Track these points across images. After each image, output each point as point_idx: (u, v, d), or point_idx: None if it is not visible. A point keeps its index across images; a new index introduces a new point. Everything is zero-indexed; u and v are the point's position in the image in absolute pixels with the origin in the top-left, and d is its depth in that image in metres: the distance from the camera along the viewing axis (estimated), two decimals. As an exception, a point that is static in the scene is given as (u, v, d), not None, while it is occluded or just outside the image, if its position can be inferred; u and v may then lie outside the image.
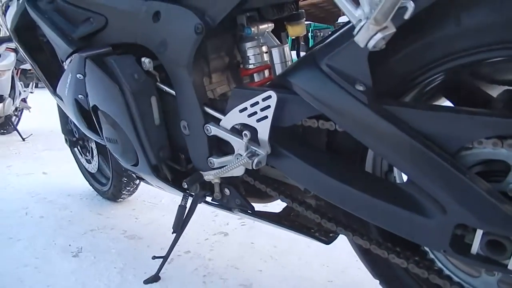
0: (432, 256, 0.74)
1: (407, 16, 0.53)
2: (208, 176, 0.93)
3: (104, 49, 1.09)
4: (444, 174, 0.61)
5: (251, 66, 1.03)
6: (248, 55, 1.03)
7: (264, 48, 1.03)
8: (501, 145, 0.58)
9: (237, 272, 1.21)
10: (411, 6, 0.52)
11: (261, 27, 0.99)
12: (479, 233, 0.61)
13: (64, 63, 1.22)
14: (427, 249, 0.75)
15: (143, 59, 1.05)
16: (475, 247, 0.62)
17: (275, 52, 0.99)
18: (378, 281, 0.91)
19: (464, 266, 0.72)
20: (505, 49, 0.59)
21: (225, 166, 0.92)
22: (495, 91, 0.83)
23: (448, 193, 0.61)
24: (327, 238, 0.97)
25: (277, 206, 1.06)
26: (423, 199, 0.66)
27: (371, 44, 0.54)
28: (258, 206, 1.07)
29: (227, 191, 1.06)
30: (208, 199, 1.15)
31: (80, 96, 1.19)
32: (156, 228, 1.56)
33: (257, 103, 0.83)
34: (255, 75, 1.05)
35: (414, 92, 0.74)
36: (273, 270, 1.22)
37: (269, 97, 0.81)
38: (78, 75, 1.13)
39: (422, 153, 0.62)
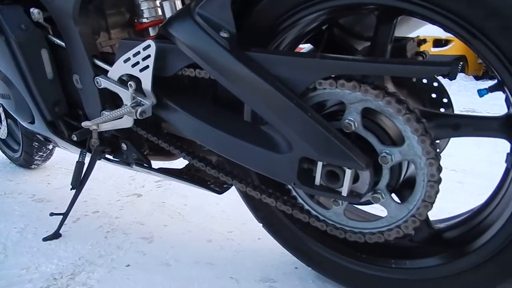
0: (294, 193, 0.82)
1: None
2: (86, 123, 0.93)
3: (-13, -2, 1.03)
4: (290, 113, 0.67)
5: (145, 20, 1.03)
6: (142, 8, 1.03)
7: (158, 2, 1.03)
8: (336, 85, 0.65)
9: (141, 227, 1.24)
10: None
11: (152, -20, 0.99)
12: (319, 165, 0.69)
13: None
14: (290, 187, 0.82)
15: (31, 9, 1.01)
16: (317, 179, 0.70)
17: (166, 5, 0.99)
18: (261, 225, 0.98)
19: (319, 200, 0.80)
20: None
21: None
22: (360, 45, 0.90)
23: (293, 130, 0.68)
24: (220, 189, 1.02)
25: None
26: (277, 138, 0.72)
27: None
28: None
29: (124, 146, 1.07)
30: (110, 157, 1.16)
31: (-33, 49, 1.13)
32: (68, 192, 1.52)
33: (138, 52, 0.84)
34: (150, 29, 1.05)
35: (283, 40, 0.79)
36: (178, 224, 1.26)
37: (149, 46, 0.82)
38: (-40, 25, 1.06)
39: (273, 94, 0.68)
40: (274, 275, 0.98)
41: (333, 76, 0.65)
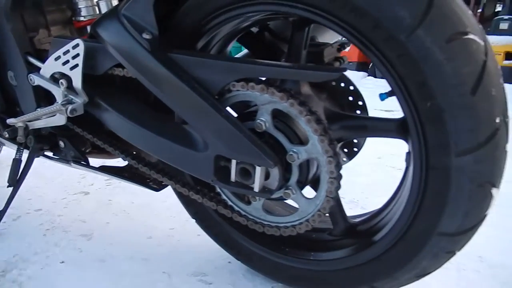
0: (218, 190, 0.85)
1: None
2: (11, 120, 0.94)
3: None
4: (205, 113, 0.71)
5: (82, 18, 1.04)
6: (79, 7, 1.03)
7: (95, 1, 1.04)
8: (247, 87, 0.69)
9: (83, 225, 1.24)
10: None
11: (88, -21, 1.00)
12: (234, 162, 0.72)
13: None
14: (215, 185, 0.85)
15: (-37, 4, 1.00)
16: (232, 175, 0.73)
17: (102, 4, 1.00)
18: (194, 220, 1.01)
19: (240, 196, 0.84)
20: (259, 4, 0.69)
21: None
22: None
23: (208, 130, 0.71)
24: (158, 186, 1.04)
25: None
26: (196, 137, 0.75)
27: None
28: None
29: (61, 144, 1.07)
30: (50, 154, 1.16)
31: None
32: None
33: (68, 51, 0.85)
34: (88, 27, 1.06)
35: (211, 40, 0.82)
36: (121, 222, 1.27)
37: (77, 45, 0.84)
38: None
39: (189, 95, 0.71)
40: (207, 269, 1.01)
41: (246, 78, 0.69)
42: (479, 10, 5.12)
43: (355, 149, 0.89)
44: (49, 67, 0.91)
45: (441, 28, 0.55)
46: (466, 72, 0.55)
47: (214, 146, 0.72)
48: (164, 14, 0.79)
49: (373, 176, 1.73)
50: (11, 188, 1.52)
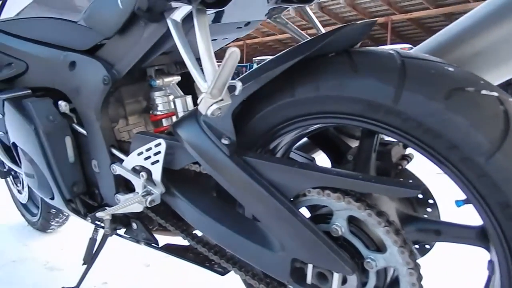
0: (290, 287, 0.86)
1: (237, 92, 0.67)
2: (100, 214, 1.02)
3: (23, 92, 1.18)
4: (281, 217, 0.74)
5: (158, 113, 1.15)
6: (156, 103, 1.15)
7: (171, 98, 1.15)
8: (323, 194, 0.72)
9: (147, 302, 1.28)
10: (239, 85, 0.66)
11: (166, 79, 1.12)
12: (310, 266, 0.74)
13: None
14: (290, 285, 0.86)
15: (59, 102, 1.14)
16: (309, 278, 0.75)
17: (178, 102, 1.11)
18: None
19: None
20: (335, 118, 0.73)
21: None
22: (353, 143, 0.99)
23: (285, 233, 0.74)
24: (223, 270, 1.07)
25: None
26: (271, 236, 0.78)
27: (209, 112, 0.67)
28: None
29: (134, 225, 1.15)
30: (121, 232, 1.23)
31: (0, 133, 1.26)
32: (80, 260, 1.59)
33: (150, 148, 0.95)
34: (163, 120, 1.16)
35: (281, 141, 0.87)
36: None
37: (159, 144, 0.92)
38: (-2, 115, 1.20)
39: (265, 198, 0.75)
40: None
41: (321, 185, 0.72)
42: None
43: (427, 246, 0.87)
44: (132, 160, 1.00)
45: (522, 151, 0.56)
46: (554, 195, 0.55)
47: (291, 249, 0.74)
48: (238, 118, 0.86)
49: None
50: (75, 256, 1.61)
